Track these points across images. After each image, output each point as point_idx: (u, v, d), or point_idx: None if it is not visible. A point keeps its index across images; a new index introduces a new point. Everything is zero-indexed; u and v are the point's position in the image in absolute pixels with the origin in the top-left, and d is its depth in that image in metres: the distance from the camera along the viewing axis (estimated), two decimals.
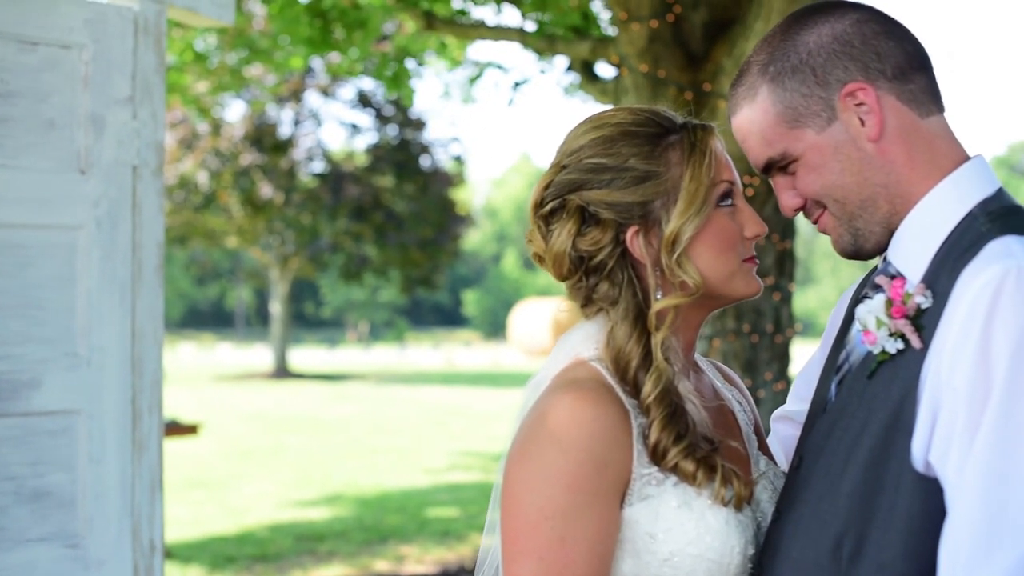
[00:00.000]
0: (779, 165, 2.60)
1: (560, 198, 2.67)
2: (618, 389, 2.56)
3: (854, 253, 2.61)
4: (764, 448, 2.94)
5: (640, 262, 2.64)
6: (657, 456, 2.50)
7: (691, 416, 2.57)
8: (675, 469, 2.50)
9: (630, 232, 2.62)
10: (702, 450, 2.53)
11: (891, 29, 2.54)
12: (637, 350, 2.58)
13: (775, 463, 2.90)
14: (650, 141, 2.64)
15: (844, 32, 2.51)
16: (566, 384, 2.56)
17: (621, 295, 2.63)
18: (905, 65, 2.51)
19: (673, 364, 2.60)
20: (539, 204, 2.71)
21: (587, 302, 2.70)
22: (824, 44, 2.51)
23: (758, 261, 2.74)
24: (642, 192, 2.61)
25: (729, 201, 2.68)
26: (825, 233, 2.64)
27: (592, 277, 2.67)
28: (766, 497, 2.73)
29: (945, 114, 2.59)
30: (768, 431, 3.18)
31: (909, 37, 2.56)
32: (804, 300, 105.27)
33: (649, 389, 2.54)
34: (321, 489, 17.35)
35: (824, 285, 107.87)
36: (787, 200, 2.63)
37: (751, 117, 2.60)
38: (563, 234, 2.65)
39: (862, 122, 2.49)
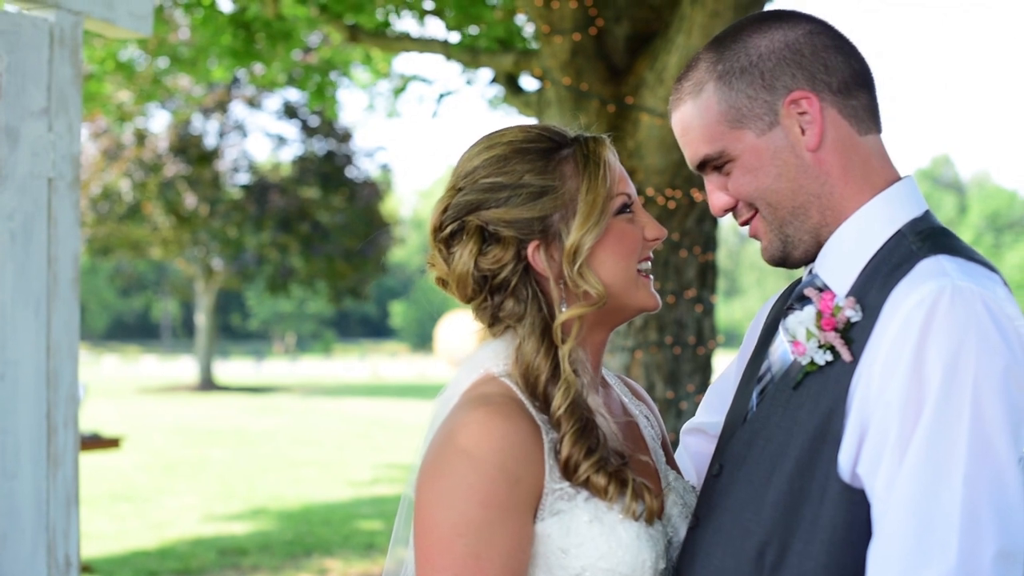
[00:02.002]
0: (715, 164, 2.60)
1: (459, 220, 2.66)
2: (528, 404, 2.55)
3: (781, 260, 2.62)
4: (672, 462, 2.95)
5: (543, 276, 2.64)
6: (568, 470, 2.49)
7: (602, 430, 2.56)
8: (586, 483, 2.49)
9: (531, 247, 2.62)
10: (613, 464, 2.53)
11: (841, 44, 2.57)
12: (545, 364, 2.58)
13: (683, 477, 2.90)
14: (543, 156, 2.65)
15: (796, 41, 2.53)
16: (477, 400, 2.55)
17: (527, 311, 2.63)
18: (850, 81, 2.54)
19: (582, 376, 2.60)
20: (439, 228, 2.70)
21: (494, 321, 2.70)
22: (775, 50, 2.53)
23: (652, 276, 2.76)
24: (540, 207, 2.61)
25: (627, 211, 2.69)
26: (755, 237, 2.65)
27: (497, 295, 2.67)
28: (676, 512, 2.73)
29: (882, 135, 2.62)
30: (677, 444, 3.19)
31: (857, 55, 2.58)
32: (730, 311, 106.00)
33: (559, 402, 2.54)
34: (245, 502, 17.24)
35: (750, 296, 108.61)
36: (717, 200, 2.64)
37: (694, 112, 2.60)
38: (464, 255, 2.65)
39: (803, 130, 2.50)
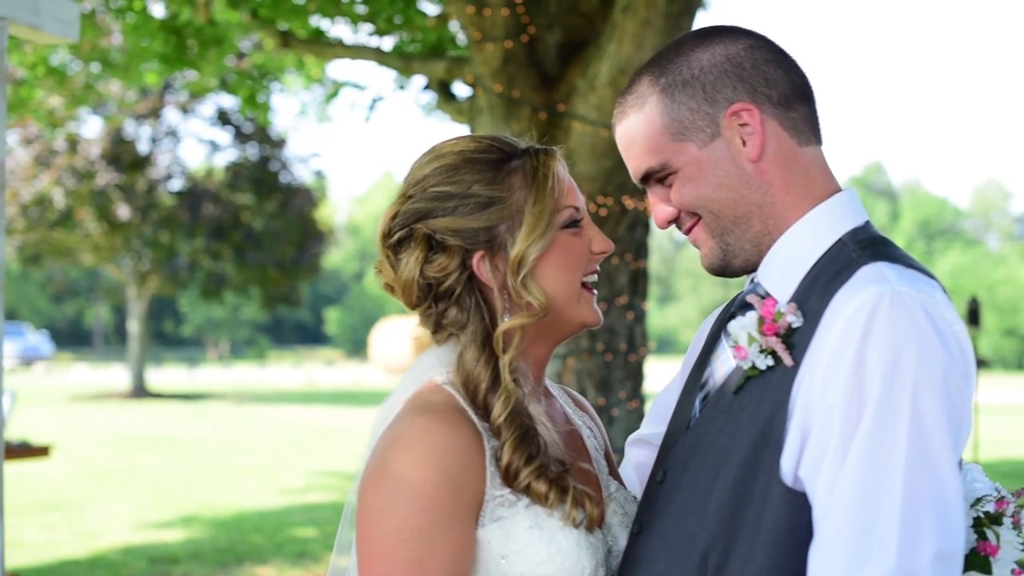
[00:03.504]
0: (657, 176, 2.63)
1: (407, 227, 2.69)
2: (471, 412, 2.57)
3: (722, 268, 2.65)
4: (614, 473, 2.97)
5: (487, 286, 2.67)
6: (509, 477, 2.51)
7: (543, 437, 2.58)
8: (527, 490, 2.51)
9: (476, 257, 2.65)
10: (554, 471, 2.55)
11: (780, 59, 2.61)
12: (486, 373, 2.60)
13: (625, 487, 2.92)
14: (493, 167, 2.67)
15: (737, 54, 2.57)
16: (420, 407, 2.57)
17: (470, 319, 2.66)
18: (790, 93, 2.58)
19: (522, 386, 2.62)
20: (387, 234, 2.73)
21: (438, 328, 2.73)
22: (717, 63, 2.57)
23: (596, 292, 2.78)
24: (487, 218, 2.64)
25: (575, 225, 2.71)
26: (696, 246, 2.68)
27: (441, 303, 2.69)
28: (617, 521, 2.75)
29: (823, 147, 2.65)
30: (621, 453, 3.20)
31: (796, 69, 2.63)
32: (664, 318, 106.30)
33: (499, 410, 2.56)
34: (177, 510, 17.10)
35: (685, 303, 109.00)
36: (660, 212, 2.67)
37: (637, 126, 2.63)
38: (411, 262, 2.68)
39: (744, 142, 2.54)
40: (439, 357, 2.71)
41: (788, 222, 2.55)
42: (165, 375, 62.57)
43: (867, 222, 2.58)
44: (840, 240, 2.50)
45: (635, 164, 2.66)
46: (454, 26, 11.34)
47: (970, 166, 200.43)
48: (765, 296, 2.53)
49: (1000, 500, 2.65)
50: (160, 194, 42.91)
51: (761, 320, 2.45)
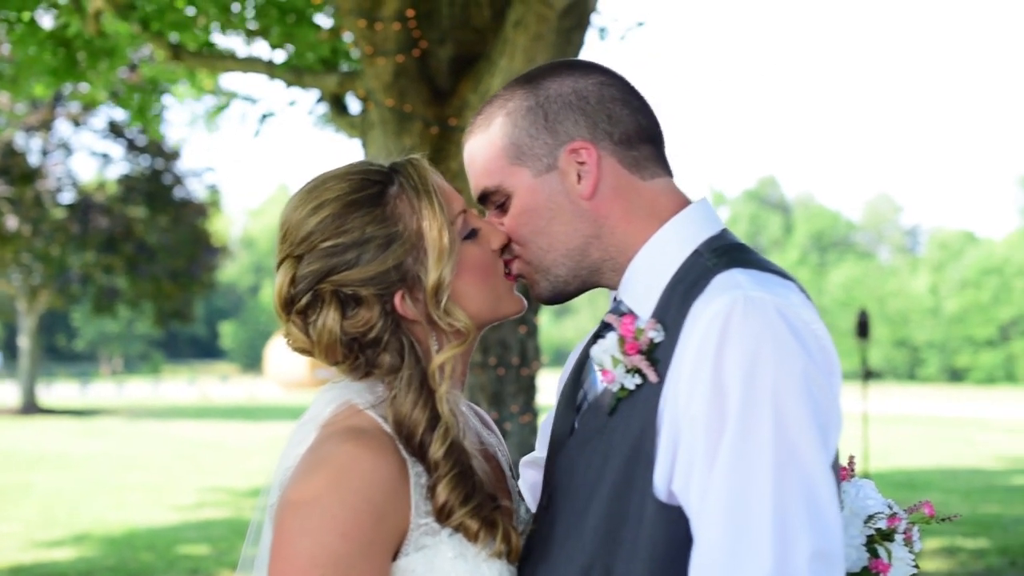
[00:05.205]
0: (493, 199, 2.63)
1: (312, 290, 2.60)
2: (397, 440, 2.51)
3: (553, 299, 2.67)
4: (518, 493, 2.94)
5: (414, 321, 2.60)
6: (443, 515, 2.47)
7: (478, 474, 2.55)
8: (458, 527, 2.48)
9: (397, 298, 2.58)
10: (486, 509, 2.52)
11: (630, 99, 2.62)
12: (423, 415, 2.53)
13: (530, 510, 2.88)
14: (376, 203, 2.60)
15: (584, 89, 2.58)
16: (346, 432, 2.50)
17: (404, 363, 2.58)
18: (633, 135, 2.59)
19: (459, 418, 2.58)
20: (291, 301, 2.63)
21: (367, 375, 2.64)
22: (563, 94, 2.58)
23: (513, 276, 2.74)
24: (393, 257, 2.57)
25: (472, 233, 2.67)
26: (521, 277, 2.69)
27: (369, 351, 2.60)
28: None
29: (673, 178, 2.66)
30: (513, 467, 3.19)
31: (646, 110, 2.63)
32: (561, 331, 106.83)
33: (437, 447, 2.50)
34: (67, 529, 16.88)
35: (581, 315, 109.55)
36: (496, 237, 2.67)
37: (480, 145, 2.65)
38: (328, 322, 2.58)
39: (579, 178, 2.55)
40: (357, 388, 2.63)
41: (636, 245, 2.55)
42: (57, 391, 61.89)
43: (723, 230, 2.58)
44: (697, 250, 2.50)
45: (473, 183, 2.67)
46: (348, 38, 11.30)
47: (862, 180, 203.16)
48: (624, 314, 2.52)
49: (892, 516, 2.68)
50: (50, 207, 42.42)
51: (622, 340, 2.44)
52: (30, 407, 44.70)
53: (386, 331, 2.59)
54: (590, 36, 8.58)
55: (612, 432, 2.44)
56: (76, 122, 42.48)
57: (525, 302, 2.76)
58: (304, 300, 2.60)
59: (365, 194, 2.60)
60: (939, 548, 14.65)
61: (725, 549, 2.17)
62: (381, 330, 2.58)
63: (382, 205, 2.60)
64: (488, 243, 2.68)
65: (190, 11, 10.81)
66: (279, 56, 11.45)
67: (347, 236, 2.57)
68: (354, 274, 2.56)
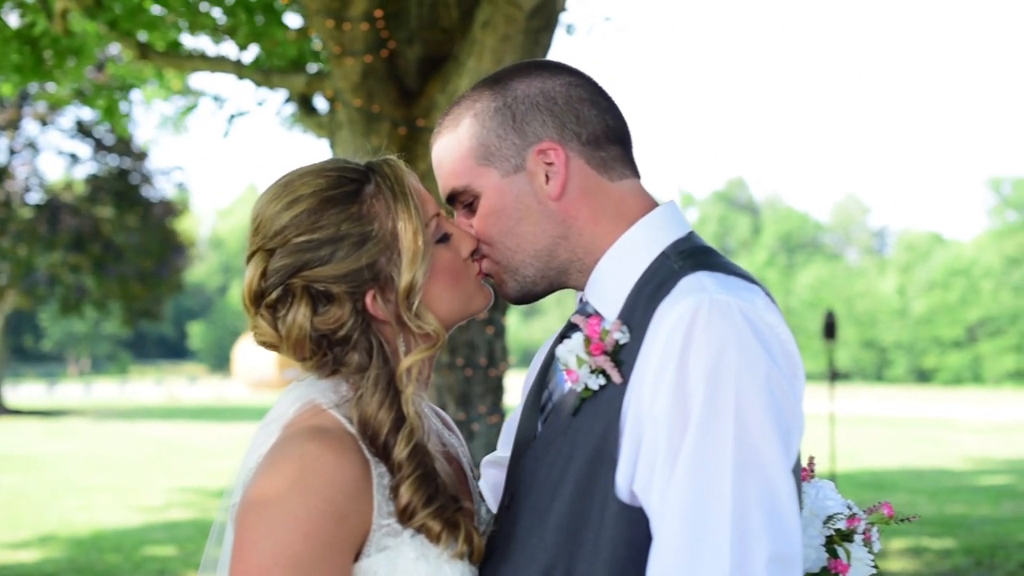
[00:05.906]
0: (462, 199, 2.64)
1: (283, 284, 2.59)
2: (360, 440, 2.51)
3: (521, 298, 2.67)
4: (479, 493, 2.94)
5: (384, 321, 2.60)
6: (405, 516, 2.47)
7: (441, 476, 2.55)
8: (420, 528, 2.48)
9: (369, 297, 2.57)
10: (449, 510, 2.52)
11: (597, 99, 2.63)
12: (388, 416, 2.52)
13: (491, 511, 2.89)
14: (352, 200, 2.59)
15: (552, 89, 2.59)
16: (309, 432, 2.49)
17: (371, 363, 2.57)
18: (601, 135, 2.60)
19: (423, 420, 2.58)
20: (261, 294, 2.61)
21: (333, 372, 2.63)
22: (531, 95, 2.59)
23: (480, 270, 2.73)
24: (367, 255, 2.56)
25: (445, 237, 2.67)
26: (490, 277, 2.69)
27: (338, 349, 2.60)
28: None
29: (641, 180, 2.67)
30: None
31: (613, 111, 2.64)
32: (529, 331, 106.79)
33: (401, 448, 2.50)
34: (33, 530, 16.80)
35: (549, 316, 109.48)
36: (467, 241, 2.67)
37: (448, 145, 2.65)
38: (298, 318, 2.57)
39: (547, 179, 2.55)
40: (323, 387, 2.62)
41: (603, 247, 2.56)
42: (24, 391, 61.66)
43: (690, 233, 2.59)
44: (663, 252, 2.51)
45: (442, 184, 2.67)
46: (316, 40, 11.28)
47: (830, 181, 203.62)
48: (591, 315, 2.53)
49: (852, 517, 2.69)
50: (18, 207, 42.22)
51: (588, 340, 2.45)
52: None
53: (356, 330, 2.58)
54: (558, 33, 8.58)
55: (576, 432, 2.45)
56: (43, 121, 42.32)
57: (493, 293, 2.75)
58: (275, 294, 2.59)
59: (341, 191, 2.60)
60: (905, 548, 14.71)
61: (684, 550, 2.18)
62: (351, 328, 2.57)
63: (358, 203, 2.59)
64: (458, 247, 2.68)
65: (157, 10, 10.76)
66: (247, 56, 11.42)
67: (322, 232, 2.56)
68: (327, 271, 2.55)
